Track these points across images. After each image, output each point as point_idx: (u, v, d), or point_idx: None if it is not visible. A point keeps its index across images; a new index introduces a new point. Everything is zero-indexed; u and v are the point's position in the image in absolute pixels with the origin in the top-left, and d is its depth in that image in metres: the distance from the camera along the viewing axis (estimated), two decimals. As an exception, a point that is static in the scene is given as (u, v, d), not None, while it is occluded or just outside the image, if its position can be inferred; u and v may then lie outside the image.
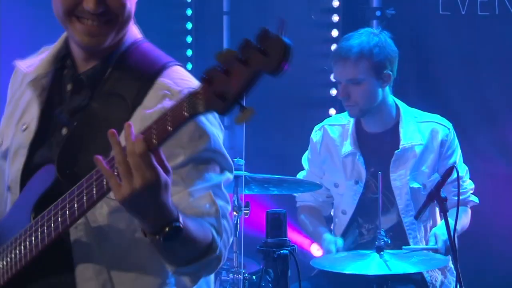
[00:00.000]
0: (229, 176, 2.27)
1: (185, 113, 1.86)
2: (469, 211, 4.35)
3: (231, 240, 2.26)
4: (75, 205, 2.08)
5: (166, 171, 1.95)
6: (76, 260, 2.23)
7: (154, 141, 1.89)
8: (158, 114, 1.98)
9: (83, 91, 2.31)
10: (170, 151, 2.07)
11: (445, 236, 3.82)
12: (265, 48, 1.78)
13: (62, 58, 2.37)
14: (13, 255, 2.25)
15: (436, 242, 4.03)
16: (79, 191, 2.08)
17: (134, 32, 2.35)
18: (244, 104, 1.84)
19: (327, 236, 4.33)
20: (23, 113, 2.41)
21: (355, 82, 4.16)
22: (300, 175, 4.48)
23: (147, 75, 2.25)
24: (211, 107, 1.84)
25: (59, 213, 2.13)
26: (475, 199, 4.35)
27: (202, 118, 2.14)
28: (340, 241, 4.27)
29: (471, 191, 4.34)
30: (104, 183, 2.00)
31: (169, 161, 2.02)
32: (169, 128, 1.89)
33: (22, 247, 2.21)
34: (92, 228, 2.24)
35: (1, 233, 2.33)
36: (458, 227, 3.91)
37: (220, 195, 2.22)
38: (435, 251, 4.05)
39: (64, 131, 2.31)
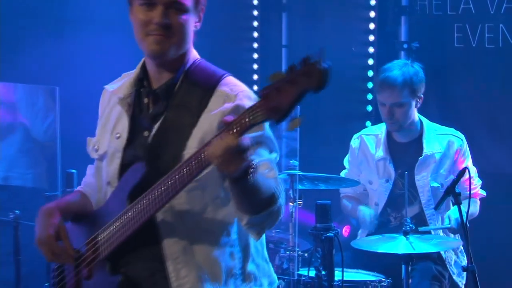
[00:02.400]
0: (276, 156, 2.48)
1: (248, 122, 2.11)
2: (478, 202, 4.62)
3: (283, 202, 2.40)
4: (167, 188, 2.32)
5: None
6: (163, 236, 2.44)
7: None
8: (220, 116, 2.34)
9: (160, 103, 2.54)
10: None
11: (457, 215, 4.00)
12: (307, 71, 1.97)
13: (140, 80, 2.60)
14: (114, 232, 2.46)
15: (449, 222, 4.31)
16: (169, 179, 2.32)
17: (194, 54, 2.59)
18: (295, 114, 2.02)
19: (363, 208, 4.61)
20: (115, 124, 2.62)
21: (399, 105, 4.46)
22: (343, 173, 4.77)
23: (208, 85, 2.47)
24: (268, 118, 2.07)
25: (153, 197, 2.36)
26: (483, 192, 4.65)
27: None
28: (372, 212, 4.54)
29: (479, 186, 4.64)
30: (194, 165, 2.25)
31: None
32: (235, 131, 2.14)
33: (122, 226, 2.43)
34: (174, 207, 2.44)
35: (101, 216, 2.56)
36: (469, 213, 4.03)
37: (274, 167, 2.43)
38: (449, 229, 4.36)
39: (146, 133, 2.54)
